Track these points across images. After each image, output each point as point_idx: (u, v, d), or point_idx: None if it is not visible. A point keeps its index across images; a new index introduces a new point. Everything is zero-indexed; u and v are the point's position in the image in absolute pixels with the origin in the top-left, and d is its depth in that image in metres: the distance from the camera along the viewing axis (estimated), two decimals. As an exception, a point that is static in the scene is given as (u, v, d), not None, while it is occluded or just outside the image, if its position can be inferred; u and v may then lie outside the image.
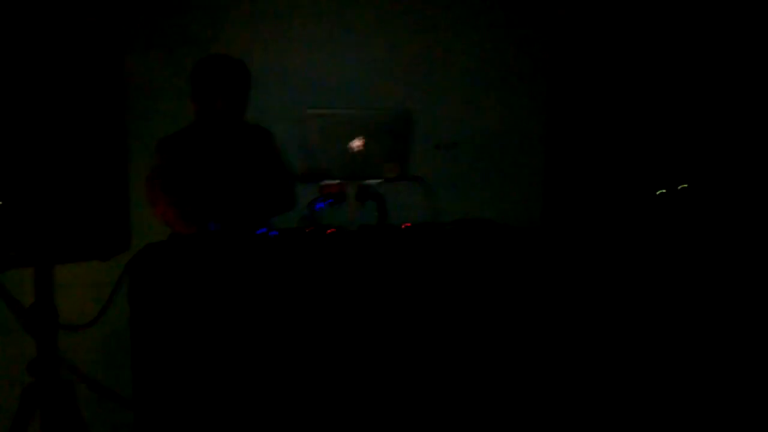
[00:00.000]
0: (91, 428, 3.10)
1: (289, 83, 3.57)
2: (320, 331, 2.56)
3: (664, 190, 3.51)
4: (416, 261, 2.73)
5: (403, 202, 3.40)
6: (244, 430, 2.49)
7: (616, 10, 3.72)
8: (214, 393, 2.48)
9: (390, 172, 2.94)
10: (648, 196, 3.59)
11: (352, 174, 2.92)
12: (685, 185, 3.47)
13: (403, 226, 3.07)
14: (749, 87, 3.29)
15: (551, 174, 3.93)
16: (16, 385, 2.53)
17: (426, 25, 3.72)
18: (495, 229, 3.11)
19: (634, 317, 3.10)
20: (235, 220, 2.93)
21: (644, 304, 3.17)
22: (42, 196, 2.49)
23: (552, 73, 3.88)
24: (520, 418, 2.73)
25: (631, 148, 3.67)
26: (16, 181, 2.42)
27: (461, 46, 3.77)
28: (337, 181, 2.95)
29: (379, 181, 2.98)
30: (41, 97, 2.51)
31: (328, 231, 2.85)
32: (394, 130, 2.94)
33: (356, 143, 2.86)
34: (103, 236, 2.66)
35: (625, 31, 3.66)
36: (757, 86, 3.26)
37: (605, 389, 2.91)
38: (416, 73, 3.72)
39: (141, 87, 3.38)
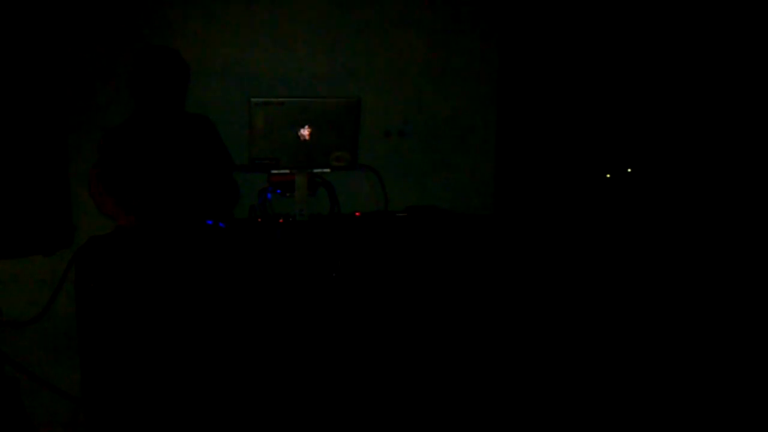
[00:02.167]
0: (37, 425, 3.04)
1: (234, 73, 3.53)
2: (272, 319, 2.56)
3: (609, 175, 3.59)
4: (369, 249, 2.75)
5: (353, 191, 3.41)
6: (193, 419, 2.48)
7: (562, 1, 3.77)
8: (163, 381, 2.45)
9: (339, 161, 2.94)
10: (598, 181, 3.66)
11: (301, 163, 2.92)
12: (630, 170, 3.56)
13: (355, 215, 3.09)
14: (691, 71, 3.37)
15: (502, 161, 3.97)
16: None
17: (374, 12, 3.72)
18: (446, 217, 3.14)
19: (582, 299, 3.17)
20: (180, 212, 2.90)
21: (593, 286, 3.24)
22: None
23: (501, 60, 3.92)
24: (462, 394, 2.77)
25: (581, 134, 3.73)
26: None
27: (409, 33, 3.78)
28: (287, 171, 2.94)
29: (328, 170, 2.98)
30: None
31: (279, 221, 2.85)
32: (343, 118, 2.94)
33: (303, 132, 2.85)
34: (45, 231, 2.63)
35: (574, 17, 3.71)
36: (702, 72, 3.34)
37: (552, 371, 2.97)
38: (364, 61, 3.71)
39: (81, 82, 3.31)
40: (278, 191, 3.00)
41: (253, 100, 2.80)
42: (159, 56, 2.95)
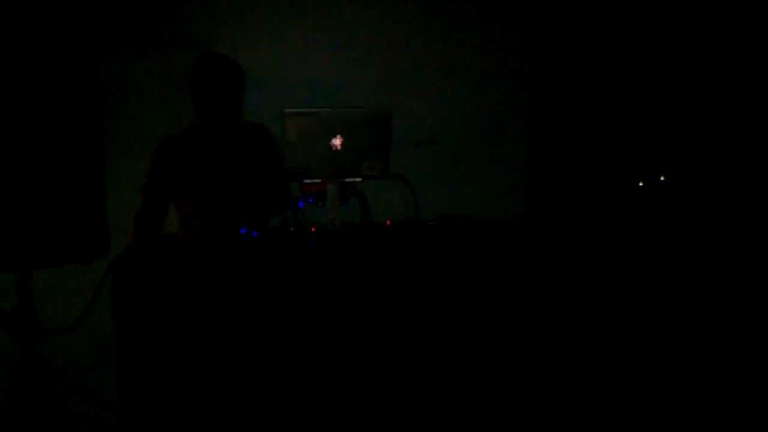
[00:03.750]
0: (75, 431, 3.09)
1: (267, 83, 3.57)
2: (305, 330, 2.56)
3: (642, 183, 3.55)
4: (400, 258, 2.74)
5: (384, 200, 3.43)
6: (230, 428, 2.49)
7: (596, 5, 3.76)
8: (200, 392, 2.47)
9: (371, 170, 2.95)
10: (629, 189, 3.63)
11: (333, 173, 2.93)
12: (663, 178, 3.51)
13: (386, 224, 3.10)
14: (725, 80, 3.33)
15: (533, 169, 3.96)
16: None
17: (405, 22, 3.74)
18: (477, 225, 3.13)
19: (616, 310, 3.13)
20: (238, 220, 2.93)
21: (626, 296, 3.20)
22: (20, 201, 2.48)
23: (532, 69, 3.92)
24: (499, 411, 2.75)
25: (612, 142, 3.71)
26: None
27: (440, 42, 3.80)
28: (318, 180, 2.96)
29: (359, 179, 2.99)
30: (17, 102, 2.50)
31: (311, 229, 2.86)
32: (374, 128, 2.95)
33: (335, 141, 2.87)
34: (82, 239, 2.66)
35: (605, 26, 3.70)
36: (731, 80, 3.30)
37: (586, 384, 2.94)
38: (395, 71, 3.73)
39: (117, 90, 3.37)
40: (310, 200, 3.02)
41: (285, 110, 2.82)
42: (222, 64, 3.00)
